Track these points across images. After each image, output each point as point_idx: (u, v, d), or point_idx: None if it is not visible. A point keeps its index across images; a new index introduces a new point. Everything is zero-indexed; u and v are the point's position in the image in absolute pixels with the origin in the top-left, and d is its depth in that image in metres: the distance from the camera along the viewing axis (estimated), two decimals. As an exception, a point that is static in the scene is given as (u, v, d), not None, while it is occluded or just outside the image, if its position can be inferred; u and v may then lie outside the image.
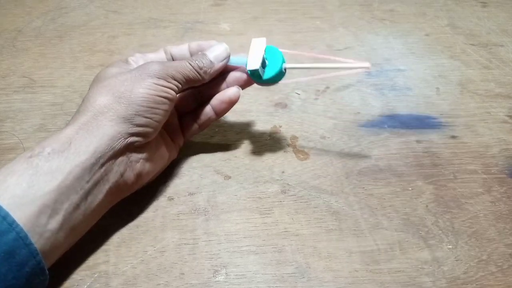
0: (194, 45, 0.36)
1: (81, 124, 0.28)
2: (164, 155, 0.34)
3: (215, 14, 0.61)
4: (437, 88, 0.47)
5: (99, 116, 0.28)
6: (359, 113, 0.43)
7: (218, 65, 0.34)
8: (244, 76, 0.36)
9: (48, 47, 0.54)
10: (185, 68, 0.32)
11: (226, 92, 0.35)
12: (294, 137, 0.40)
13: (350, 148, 0.39)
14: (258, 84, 0.35)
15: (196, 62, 0.33)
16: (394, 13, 0.61)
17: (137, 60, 0.35)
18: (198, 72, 0.33)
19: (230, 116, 0.42)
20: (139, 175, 0.31)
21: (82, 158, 0.27)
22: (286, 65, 0.34)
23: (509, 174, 0.36)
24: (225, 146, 0.39)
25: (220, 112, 0.36)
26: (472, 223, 0.32)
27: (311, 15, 0.61)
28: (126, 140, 0.29)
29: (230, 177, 0.36)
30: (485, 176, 0.36)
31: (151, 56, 0.36)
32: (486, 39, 0.55)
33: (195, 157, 0.38)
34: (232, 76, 0.36)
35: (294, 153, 0.38)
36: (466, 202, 0.34)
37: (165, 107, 0.31)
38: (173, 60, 0.36)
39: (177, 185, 0.35)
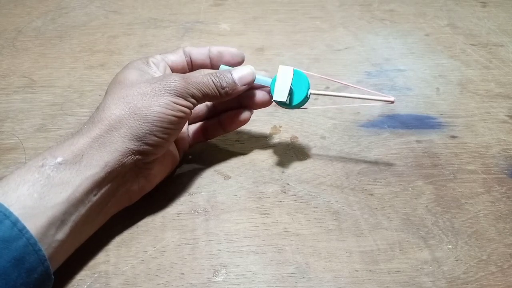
0: (215, 50, 0.35)
1: (95, 137, 0.28)
2: (169, 163, 0.34)
3: (215, 14, 0.61)
4: (437, 88, 0.47)
5: (113, 131, 0.28)
6: (359, 113, 0.43)
7: (240, 88, 0.33)
8: (267, 98, 0.35)
9: (48, 47, 0.54)
10: (206, 86, 0.31)
11: (239, 115, 0.36)
12: (294, 137, 0.40)
13: (350, 148, 0.39)
14: (280, 107, 0.35)
15: (220, 80, 0.32)
16: (394, 13, 0.61)
17: (158, 62, 0.34)
18: (219, 91, 0.32)
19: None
20: (144, 186, 0.32)
21: (93, 171, 0.27)
22: (311, 91, 0.34)
23: (509, 174, 0.36)
24: (225, 146, 0.39)
25: (228, 130, 0.37)
26: (472, 223, 0.32)
27: (311, 15, 0.61)
28: (136, 157, 0.29)
29: (230, 177, 0.36)
30: (485, 176, 0.36)
31: (172, 58, 0.35)
32: (486, 39, 0.55)
33: (195, 157, 0.38)
34: (258, 96, 0.35)
35: (294, 153, 0.38)
36: (466, 202, 0.34)
37: (179, 126, 0.31)
38: (191, 62, 0.35)
39: (177, 185, 0.35)
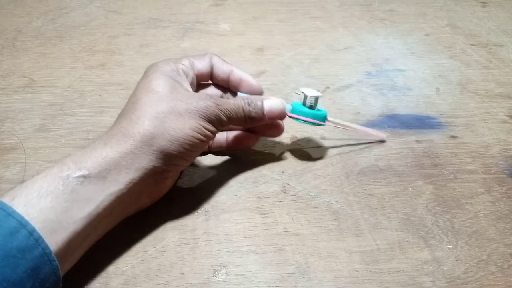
0: (237, 75, 0.35)
1: (124, 153, 0.27)
2: (178, 175, 0.35)
3: (215, 14, 0.61)
4: (437, 88, 0.47)
5: (144, 148, 0.28)
6: (359, 113, 0.43)
7: (266, 120, 0.33)
8: (281, 128, 0.36)
9: (48, 47, 0.54)
10: (236, 113, 0.32)
11: (246, 140, 0.36)
12: (294, 137, 0.40)
13: (350, 148, 0.39)
14: (297, 119, 0.35)
15: (250, 109, 0.32)
16: (394, 13, 0.62)
17: (187, 71, 0.33)
18: (245, 120, 0.32)
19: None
20: (155, 197, 0.32)
21: (117, 188, 0.27)
22: (328, 116, 0.36)
23: (509, 174, 0.36)
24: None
25: (231, 149, 0.37)
26: (472, 223, 0.32)
27: (311, 15, 0.61)
28: (158, 174, 0.30)
29: (230, 177, 0.36)
30: (485, 176, 0.36)
31: (199, 67, 0.34)
32: (486, 39, 0.55)
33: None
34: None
35: (294, 153, 0.38)
36: (466, 202, 0.34)
37: (202, 149, 0.31)
38: (211, 73, 0.35)
39: (177, 185, 0.35)
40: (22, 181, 0.26)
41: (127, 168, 0.27)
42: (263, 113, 0.33)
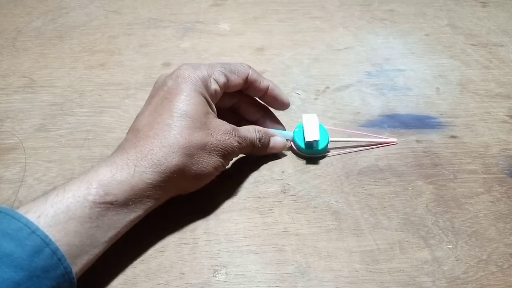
0: (273, 94, 0.36)
1: (151, 184, 0.27)
2: None
3: (215, 14, 0.61)
4: (437, 88, 0.47)
5: (168, 182, 0.28)
6: (359, 113, 0.43)
7: (265, 152, 0.36)
8: (282, 144, 0.37)
9: (48, 47, 0.54)
10: (248, 145, 0.33)
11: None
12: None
13: (350, 148, 0.39)
14: (301, 153, 0.38)
15: (259, 144, 0.34)
16: (394, 13, 0.62)
17: (217, 89, 0.32)
18: (251, 150, 0.34)
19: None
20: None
21: (137, 214, 0.28)
22: (331, 138, 0.38)
23: (509, 174, 0.36)
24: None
25: None
26: (472, 223, 0.32)
27: (311, 15, 0.61)
28: (173, 196, 0.31)
29: (230, 177, 0.36)
30: (485, 176, 0.36)
31: (234, 84, 0.33)
32: (486, 39, 0.55)
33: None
34: (275, 141, 0.36)
35: (294, 153, 0.38)
36: (466, 202, 0.34)
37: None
38: (248, 88, 0.35)
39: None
40: (45, 192, 0.26)
41: (149, 198, 0.28)
42: (266, 149, 0.36)
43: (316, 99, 0.45)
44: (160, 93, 0.30)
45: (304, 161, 0.37)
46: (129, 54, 0.52)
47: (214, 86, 0.32)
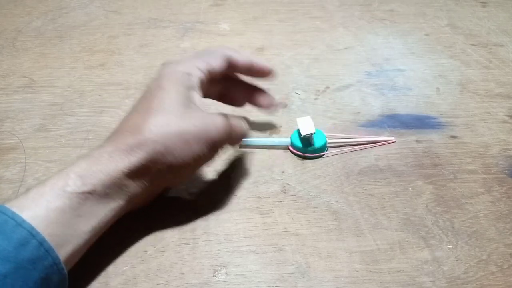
0: (258, 67, 0.36)
1: (129, 171, 0.27)
2: None
3: (215, 14, 0.61)
4: (437, 88, 0.47)
5: (144, 172, 0.28)
6: (359, 113, 0.43)
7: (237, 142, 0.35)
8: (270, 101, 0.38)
9: (48, 47, 0.54)
10: (239, 137, 0.33)
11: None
12: (294, 137, 0.40)
13: (350, 148, 0.39)
14: (300, 154, 0.38)
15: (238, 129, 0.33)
16: (394, 13, 0.62)
17: (202, 77, 0.32)
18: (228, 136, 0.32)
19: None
20: (143, 205, 0.32)
21: (117, 204, 0.28)
22: (328, 139, 0.39)
23: (509, 174, 0.36)
24: (225, 146, 0.39)
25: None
26: (472, 223, 0.32)
27: (311, 15, 0.61)
28: (156, 188, 0.31)
29: (230, 177, 0.36)
30: (485, 176, 0.36)
31: (216, 69, 0.33)
32: (486, 39, 0.55)
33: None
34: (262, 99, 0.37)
35: (294, 155, 0.38)
36: (466, 202, 0.34)
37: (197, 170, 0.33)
38: (229, 66, 0.35)
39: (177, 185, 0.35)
40: (27, 189, 0.26)
41: (128, 187, 0.28)
42: (240, 139, 0.34)
43: (316, 99, 0.45)
44: (143, 94, 0.32)
45: (304, 161, 0.37)
46: (129, 54, 0.52)
47: (199, 75, 0.32)
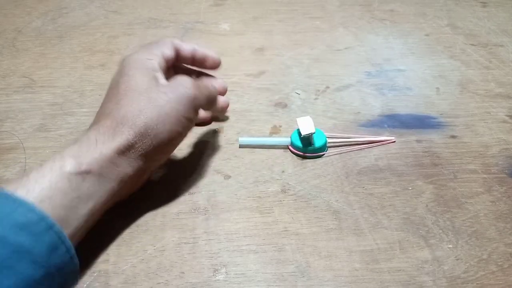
0: (201, 54, 0.37)
1: (116, 152, 0.28)
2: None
3: (215, 14, 0.61)
4: (437, 88, 0.47)
5: (133, 146, 0.29)
6: (359, 113, 0.43)
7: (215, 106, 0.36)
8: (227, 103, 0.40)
9: (48, 47, 0.54)
10: (213, 96, 0.34)
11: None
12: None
13: (350, 147, 0.39)
14: (300, 154, 0.38)
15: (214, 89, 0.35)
16: (394, 13, 0.62)
17: (161, 62, 0.34)
18: (207, 97, 0.34)
19: (230, 116, 0.42)
20: (135, 189, 0.33)
21: (111, 185, 0.28)
22: (328, 139, 0.39)
23: (509, 173, 0.36)
24: (225, 146, 0.39)
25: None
26: (472, 223, 0.32)
27: (311, 15, 0.61)
28: (144, 170, 0.31)
29: (230, 177, 0.36)
30: (485, 175, 0.36)
31: (168, 55, 0.35)
32: (486, 39, 0.55)
33: (195, 157, 0.38)
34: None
35: (294, 154, 0.38)
36: (466, 202, 0.34)
37: (181, 140, 0.33)
38: (177, 54, 0.36)
39: (177, 185, 0.35)
40: (23, 174, 0.26)
41: (118, 167, 0.29)
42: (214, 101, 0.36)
43: (316, 99, 0.45)
44: (110, 86, 0.33)
45: (304, 161, 0.37)
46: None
47: (158, 60, 0.34)
